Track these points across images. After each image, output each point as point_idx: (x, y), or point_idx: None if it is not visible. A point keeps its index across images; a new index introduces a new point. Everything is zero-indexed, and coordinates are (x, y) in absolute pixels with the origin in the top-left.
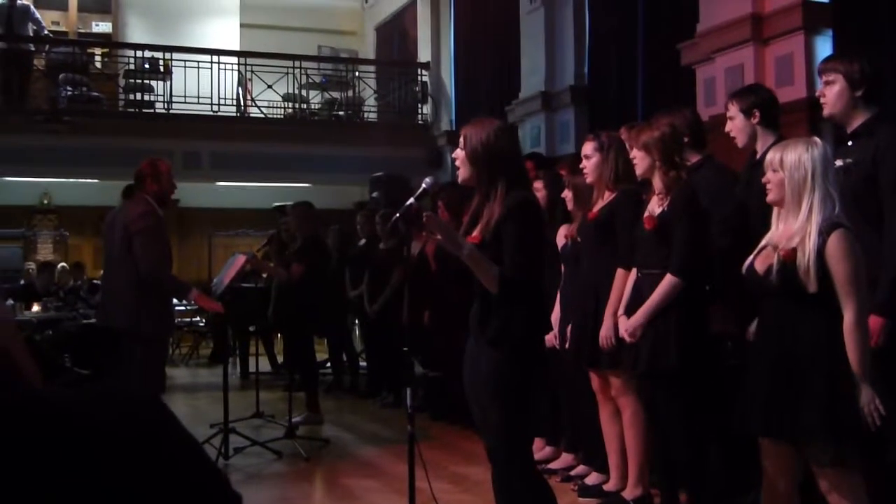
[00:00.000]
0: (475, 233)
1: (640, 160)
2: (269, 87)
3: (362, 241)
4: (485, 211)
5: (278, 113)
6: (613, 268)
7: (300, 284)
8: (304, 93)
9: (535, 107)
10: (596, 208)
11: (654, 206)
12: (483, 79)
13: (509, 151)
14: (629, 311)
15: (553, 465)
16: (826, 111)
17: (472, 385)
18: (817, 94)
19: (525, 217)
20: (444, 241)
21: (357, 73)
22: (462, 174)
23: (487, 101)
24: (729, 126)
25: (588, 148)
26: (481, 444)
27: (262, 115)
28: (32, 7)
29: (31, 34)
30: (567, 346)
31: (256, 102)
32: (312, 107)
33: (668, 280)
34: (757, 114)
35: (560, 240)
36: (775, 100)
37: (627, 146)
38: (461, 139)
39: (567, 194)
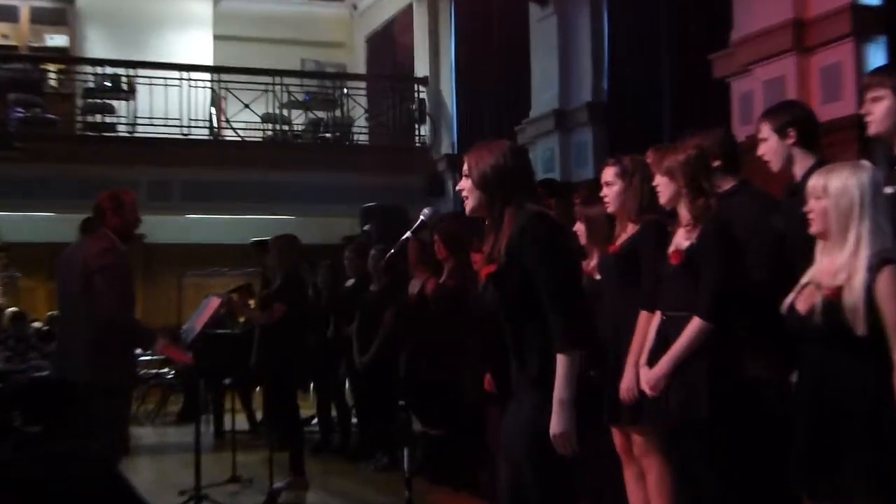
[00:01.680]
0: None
1: (663, 187)
2: (247, 106)
3: (351, 281)
4: (499, 235)
5: (257, 136)
6: (636, 310)
7: (282, 327)
8: (285, 113)
9: (547, 126)
10: (619, 241)
11: (681, 239)
12: (488, 95)
13: (522, 172)
14: (653, 360)
15: None
16: (871, 130)
17: (509, 437)
18: (862, 110)
19: (545, 235)
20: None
21: (345, 90)
22: (470, 205)
23: (493, 120)
24: (762, 149)
25: (609, 174)
26: None
27: (239, 139)
28: None
29: None
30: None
31: (232, 124)
32: (295, 128)
33: (695, 324)
34: (792, 134)
35: None
36: (813, 117)
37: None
38: (465, 167)
39: (579, 227)
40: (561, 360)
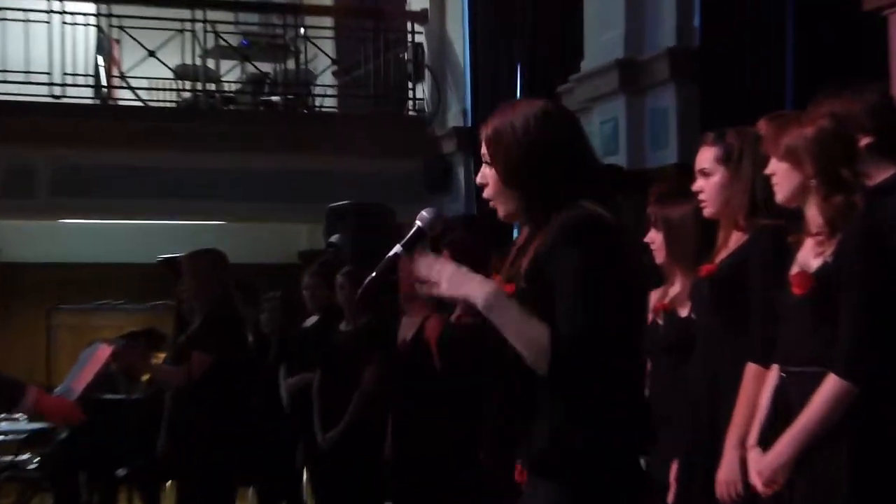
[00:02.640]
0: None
1: (782, 177)
2: (152, 54)
3: (312, 319)
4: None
5: (167, 99)
6: (742, 362)
7: (206, 390)
8: (210, 65)
9: (608, 85)
10: (718, 258)
11: (809, 256)
12: (519, 41)
13: (568, 145)
14: (767, 439)
15: None
16: None
17: None
18: None
19: (591, 244)
20: (446, 290)
21: (303, 31)
22: (500, 208)
23: (527, 77)
24: None
25: (705, 157)
26: None
27: (140, 104)
28: None
29: None
30: (670, 495)
31: (129, 82)
32: (227, 88)
33: (832, 385)
34: None
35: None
36: None
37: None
38: (484, 142)
39: (654, 238)
40: None
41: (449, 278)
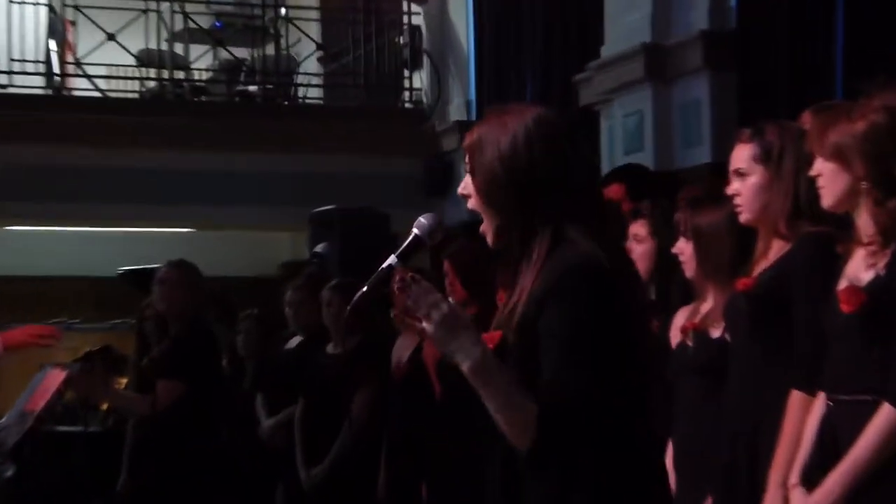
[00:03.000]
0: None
1: (829, 179)
2: (111, 38)
3: (295, 341)
4: (516, 287)
5: (129, 89)
6: (784, 388)
7: (174, 422)
8: (179, 50)
9: (632, 73)
10: (756, 271)
11: (860, 268)
12: (529, 22)
13: (559, 169)
14: (814, 475)
15: None
16: None
17: None
18: None
19: (588, 294)
20: (432, 337)
21: (285, 12)
22: (484, 224)
23: (539, 64)
24: None
25: (742, 156)
26: None
27: (98, 94)
28: None
29: None
30: None
31: (86, 69)
32: (197, 77)
33: (886, 416)
34: None
35: (675, 335)
36: None
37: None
38: (468, 147)
39: (684, 248)
40: None
41: (441, 323)
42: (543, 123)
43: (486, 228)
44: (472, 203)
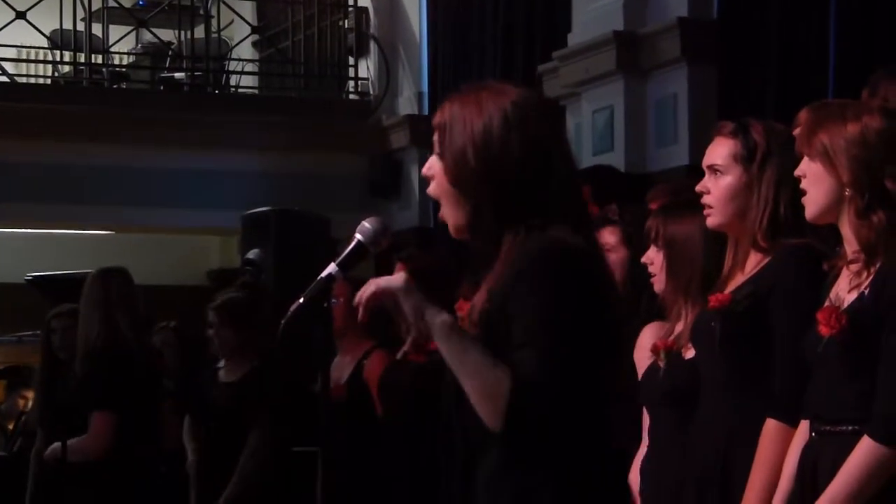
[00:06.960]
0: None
1: (813, 184)
2: (21, 16)
3: (223, 361)
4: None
5: (40, 74)
6: (761, 417)
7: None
8: (97, 31)
9: (602, 65)
10: (730, 287)
11: (843, 288)
12: (490, 7)
13: (539, 154)
14: None
15: None
16: None
17: None
18: None
19: (559, 274)
20: (406, 307)
21: None
22: (447, 215)
23: (499, 53)
24: None
25: (720, 151)
26: None
27: (6, 80)
28: None
29: None
30: None
31: None
32: (117, 61)
33: (868, 449)
34: None
35: (641, 356)
36: None
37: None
38: (437, 126)
39: (654, 258)
40: None
41: (405, 289)
42: (523, 107)
43: (449, 215)
44: (433, 187)
